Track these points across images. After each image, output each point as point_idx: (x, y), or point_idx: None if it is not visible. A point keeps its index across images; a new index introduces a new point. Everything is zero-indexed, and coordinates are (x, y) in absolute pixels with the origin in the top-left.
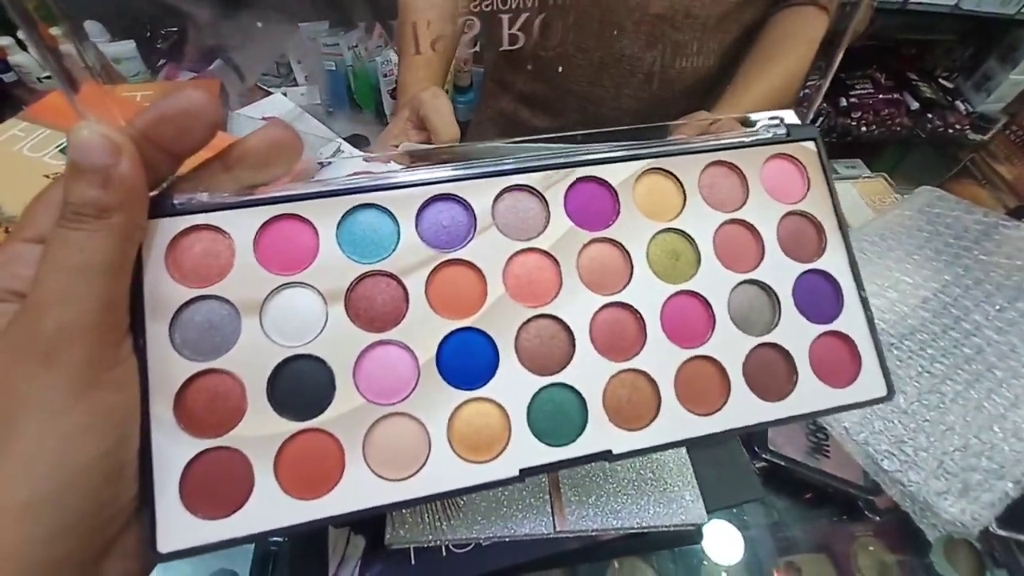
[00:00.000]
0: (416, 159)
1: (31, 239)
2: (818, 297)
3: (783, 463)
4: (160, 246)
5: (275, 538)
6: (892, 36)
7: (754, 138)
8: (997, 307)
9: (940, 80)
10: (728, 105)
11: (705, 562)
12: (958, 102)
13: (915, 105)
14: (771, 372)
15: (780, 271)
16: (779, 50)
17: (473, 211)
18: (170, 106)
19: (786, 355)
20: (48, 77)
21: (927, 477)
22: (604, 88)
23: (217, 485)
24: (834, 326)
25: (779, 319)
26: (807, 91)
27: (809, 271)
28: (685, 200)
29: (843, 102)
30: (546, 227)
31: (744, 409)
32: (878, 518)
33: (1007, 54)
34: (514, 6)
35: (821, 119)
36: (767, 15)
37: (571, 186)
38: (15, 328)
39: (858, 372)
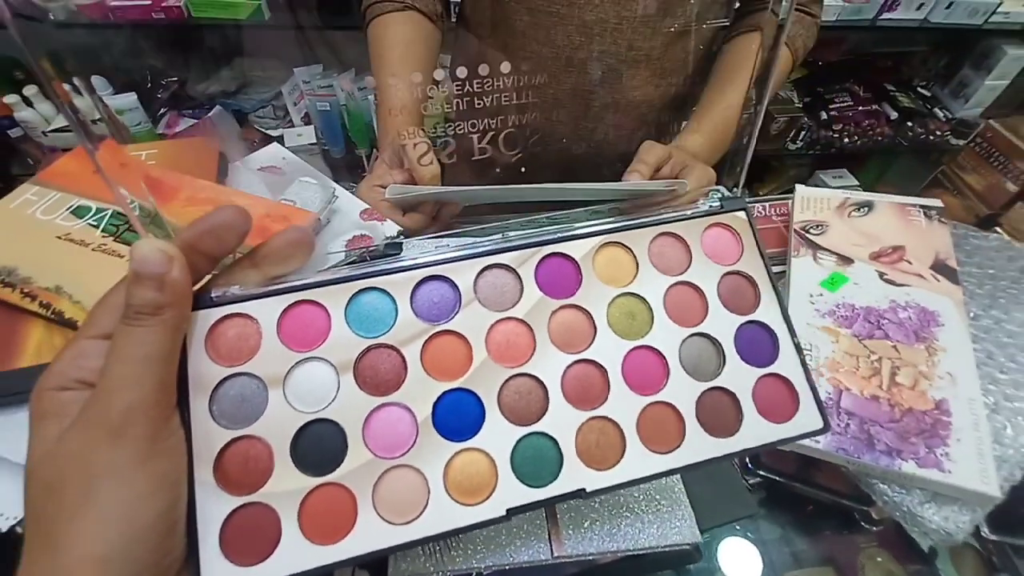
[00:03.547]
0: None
1: (94, 336)
2: (757, 344)
3: (777, 478)
4: (201, 333)
5: None
6: (866, 50)
7: (693, 211)
8: (972, 315)
9: (918, 89)
10: (690, 131)
11: None
12: (937, 109)
13: (894, 115)
14: (720, 412)
15: (723, 324)
16: (734, 76)
17: (458, 288)
18: (210, 222)
19: (732, 397)
20: (55, 130)
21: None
22: (562, 124)
23: (251, 536)
24: (772, 369)
25: (724, 365)
26: (748, 113)
27: (748, 322)
28: (638, 267)
29: (823, 115)
30: (520, 298)
31: (699, 446)
32: (875, 528)
33: (980, 61)
34: (481, 128)
35: (804, 132)
36: (715, 42)
37: (540, 262)
38: (89, 410)
39: (796, 409)
